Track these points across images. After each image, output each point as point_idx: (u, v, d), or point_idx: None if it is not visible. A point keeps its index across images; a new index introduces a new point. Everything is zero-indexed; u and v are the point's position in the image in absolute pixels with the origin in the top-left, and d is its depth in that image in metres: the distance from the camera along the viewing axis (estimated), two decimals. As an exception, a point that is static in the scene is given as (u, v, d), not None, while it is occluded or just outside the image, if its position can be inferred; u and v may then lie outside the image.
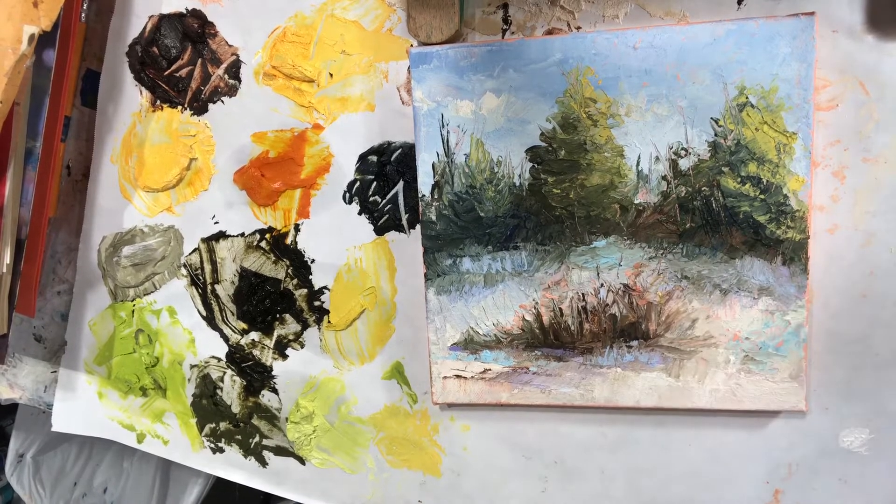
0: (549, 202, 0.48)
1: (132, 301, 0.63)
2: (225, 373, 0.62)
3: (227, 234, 0.59)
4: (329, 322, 0.57)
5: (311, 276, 0.57)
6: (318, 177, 0.55)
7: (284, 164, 0.56)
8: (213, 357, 0.62)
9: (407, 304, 0.55)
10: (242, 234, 0.58)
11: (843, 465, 0.48)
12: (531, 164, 0.48)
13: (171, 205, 0.60)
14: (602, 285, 0.48)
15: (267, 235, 0.57)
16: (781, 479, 0.49)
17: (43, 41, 0.51)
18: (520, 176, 0.48)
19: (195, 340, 0.62)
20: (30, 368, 0.71)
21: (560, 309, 0.49)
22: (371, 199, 0.54)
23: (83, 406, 0.68)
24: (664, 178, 0.46)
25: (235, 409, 0.62)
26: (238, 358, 0.61)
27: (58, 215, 0.64)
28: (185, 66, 0.57)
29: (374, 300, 0.55)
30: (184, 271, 0.61)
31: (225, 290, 0.60)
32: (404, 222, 0.53)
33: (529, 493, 0.55)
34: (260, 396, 0.61)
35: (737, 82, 0.43)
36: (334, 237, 0.55)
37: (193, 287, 0.61)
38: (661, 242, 0.46)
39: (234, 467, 0.64)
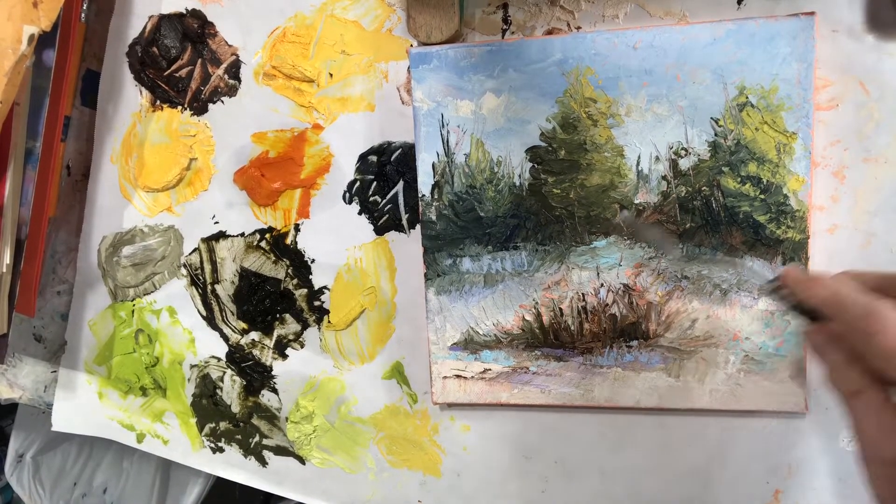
0: (549, 202, 0.48)
1: (132, 301, 0.63)
2: (225, 373, 0.62)
3: (227, 234, 0.59)
4: (329, 322, 0.57)
5: (311, 276, 0.57)
6: (318, 177, 0.55)
7: (284, 164, 0.56)
8: (213, 357, 0.62)
9: (407, 304, 0.55)
10: (242, 234, 0.58)
11: (843, 465, 0.48)
12: (531, 164, 0.48)
13: (171, 205, 0.60)
14: (602, 285, 0.48)
15: (267, 235, 0.57)
16: (781, 479, 0.49)
17: (43, 41, 0.51)
18: (520, 176, 0.48)
19: (195, 340, 0.62)
20: (30, 368, 0.71)
21: (560, 309, 0.49)
22: (371, 199, 0.54)
23: (83, 406, 0.68)
24: (664, 177, 0.46)
25: (235, 408, 0.62)
26: (238, 358, 0.61)
27: (58, 215, 0.64)
28: (184, 66, 0.57)
29: (374, 300, 0.55)
30: (184, 271, 0.61)
31: (225, 289, 0.60)
32: (404, 222, 0.53)
33: (529, 493, 0.55)
34: (260, 396, 0.61)
35: (737, 82, 0.43)
36: (334, 237, 0.55)
37: (193, 287, 0.61)
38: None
39: (234, 467, 0.64)
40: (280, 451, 0.62)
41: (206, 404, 0.63)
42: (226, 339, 0.61)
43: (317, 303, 0.57)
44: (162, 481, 0.89)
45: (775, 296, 0.37)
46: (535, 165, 0.48)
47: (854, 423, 0.33)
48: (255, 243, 0.58)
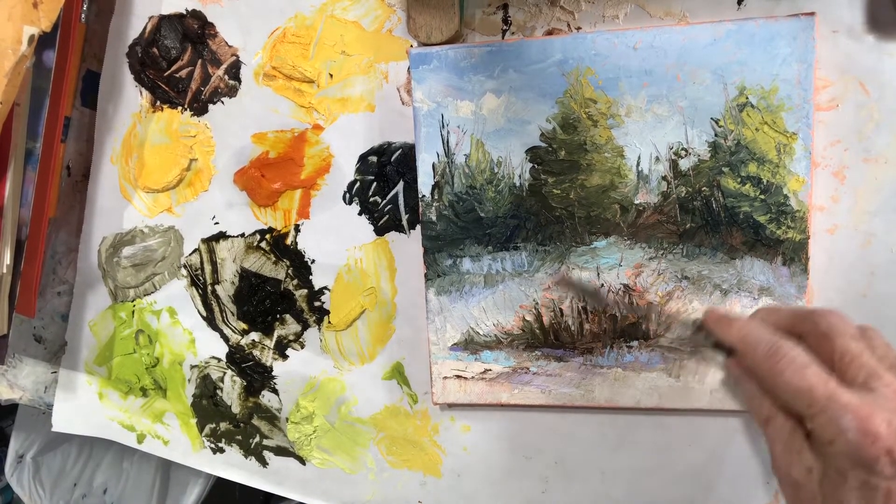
0: (549, 202, 0.48)
1: (132, 301, 0.63)
2: (225, 373, 0.62)
3: (228, 234, 0.59)
4: (329, 322, 0.57)
5: (311, 277, 0.57)
6: (318, 177, 0.55)
7: (284, 165, 0.56)
8: (214, 357, 0.62)
9: (407, 305, 0.55)
10: (243, 235, 0.58)
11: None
12: (531, 165, 0.48)
13: (171, 205, 0.60)
14: (602, 285, 0.48)
15: (267, 236, 0.57)
16: (782, 479, 0.49)
17: (43, 42, 0.51)
18: (520, 176, 0.48)
19: (195, 341, 0.62)
20: (30, 369, 0.71)
21: (560, 309, 0.49)
22: (371, 199, 0.54)
23: (83, 406, 0.68)
24: (664, 178, 0.46)
25: (236, 409, 0.62)
26: (238, 358, 0.61)
27: (58, 216, 0.64)
28: (185, 66, 0.57)
29: (375, 300, 0.55)
30: (184, 272, 0.61)
31: (225, 290, 0.60)
32: (404, 223, 0.53)
33: (530, 493, 0.55)
34: (260, 397, 0.61)
35: (737, 82, 0.43)
36: (334, 237, 0.55)
37: (194, 287, 0.61)
38: (661, 243, 0.46)
39: (235, 467, 0.64)
40: (280, 451, 0.62)
41: (207, 405, 0.63)
42: (226, 339, 0.61)
43: (317, 303, 0.57)
44: (162, 482, 0.90)
45: (697, 335, 0.40)
46: (536, 166, 0.48)
47: (768, 446, 0.37)
48: (255, 244, 0.58)
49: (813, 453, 0.34)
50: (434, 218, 0.50)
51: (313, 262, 0.57)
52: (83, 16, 0.59)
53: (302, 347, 0.58)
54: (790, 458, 0.35)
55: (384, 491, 0.59)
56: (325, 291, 0.57)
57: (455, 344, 0.51)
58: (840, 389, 0.32)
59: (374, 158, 0.53)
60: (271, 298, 0.58)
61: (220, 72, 0.56)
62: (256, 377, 0.61)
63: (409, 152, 0.52)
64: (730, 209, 0.45)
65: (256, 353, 0.60)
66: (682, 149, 0.45)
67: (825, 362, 0.35)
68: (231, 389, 0.62)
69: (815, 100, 0.43)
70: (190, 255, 0.60)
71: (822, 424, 0.33)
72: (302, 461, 0.61)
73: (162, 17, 0.57)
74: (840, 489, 0.32)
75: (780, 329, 0.39)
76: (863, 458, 0.31)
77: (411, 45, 0.51)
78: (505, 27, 0.49)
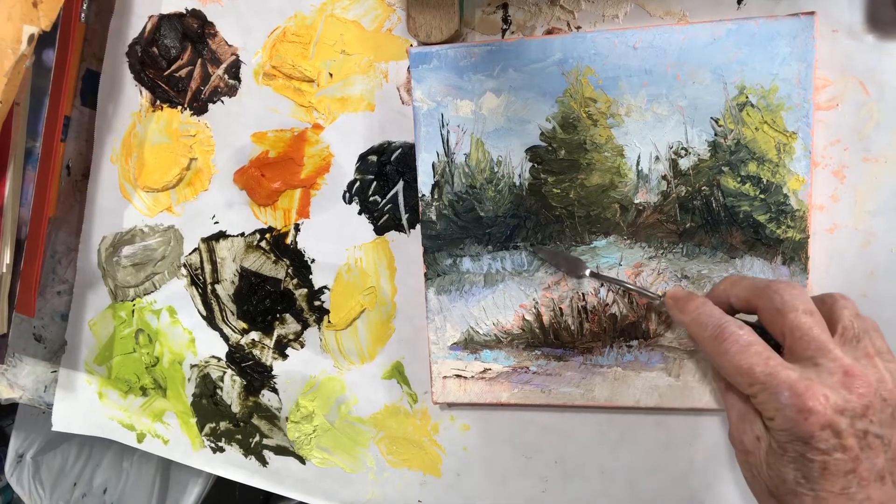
0: (549, 202, 0.48)
1: (132, 301, 0.63)
2: (225, 372, 0.62)
3: (227, 233, 0.59)
4: (329, 322, 0.57)
5: (311, 276, 0.57)
6: (317, 177, 0.55)
7: (284, 164, 0.56)
8: (213, 357, 0.62)
9: (407, 304, 0.55)
10: (242, 234, 0.58)
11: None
12: (531, 164, 0.48)
13: (171, 205, 0.60)
14: (602, 285, 0.48)
15: (267, 235, 0.57)
16: (781, 478, 0.49)
17: (43, 41, 0.51)
18: (520, 176, 0.48)
19: (195, 340, 0.62)
20: (30, 368, 0.71)
21: (560, 308, 0.49)
22: (371, 198, 0.54)
23: (83, 406, 0.68)
24: (664, 177, 0.46)
25: (235, 408, 0.62)
26: (238, 358, 0.61)
27: (58, 215, 0.64)
28: (184, 66, 0.57)
29: (374, 300, 0.55)
30: (184, 271, 0.61)
31: (225, 289, 0.60)
32: (404, 222, 0.53)
33: (530, 492, 0.55)
34: (260, 396, 0.61)
35: (737, 82, 0.43)
36: (334, 237, 0.55)
37: (193, 287, 0.61)
38: (661, 242, 0.46)
39: (235, 467, 0.64)
40: (280, 450, 0.62)
41: (207, 404, 0.63)
42: (226, 338, 0.61)
43: (317, 303, 0.57)
44: (162, 481, 0.90)
45: (663, 308, 0.44)
46: (535, 165, 0.48)
47: (727, 413, 0.39)
48: (255, 243, 0.58)
49: (763, 424, 0.35)
50: (434, 217, 0.50)
51: (313, 261, 0.57)
52: (83, 15, 0.59)
53: (302, 347, 0.59)
54: (743, 427, 0.36)
55: (384, 490, 0.59)
56: (325, 291, 0.57)
57: (455, 343, 0.51)
58: (780, 367, 0.34)
59: (373, 158, 0.53)
60: (271, 298, 0.58)
61: (220, 71, 0.56)
62: (256, 376, 0.61)
63: (408, 152, 0.52)
64: (730, 208, 0.45)
65: (256, 352, 0.60)
66: (682, 148, 0.45)
67: (779, 337, 0.37)
68: (231, 389, 0.62)
69: (814, 99, 0.43)
70: (190, 254, 0.60)
71: (762, 402, 0.34)
72: (302, 460, 0.61)
73: (162, 17, 0.57)
74: (780, 460, 0.34)
75: (740, 301, 0.40)
76: (798, 433, 0.32)
77: (411, 45, 0.51)
78: (505, 26, 0.49)
